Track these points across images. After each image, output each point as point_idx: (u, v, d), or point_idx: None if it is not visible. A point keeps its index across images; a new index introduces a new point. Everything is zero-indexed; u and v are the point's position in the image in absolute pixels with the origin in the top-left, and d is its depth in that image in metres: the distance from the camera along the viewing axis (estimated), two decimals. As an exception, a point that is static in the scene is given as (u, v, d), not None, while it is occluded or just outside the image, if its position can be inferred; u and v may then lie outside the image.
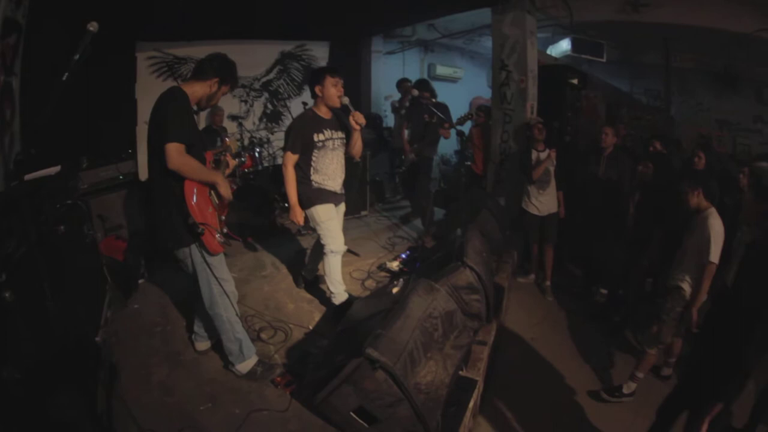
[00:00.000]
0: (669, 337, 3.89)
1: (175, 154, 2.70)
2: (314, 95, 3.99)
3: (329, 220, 4.04)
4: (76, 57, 2.19)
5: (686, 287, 3.75)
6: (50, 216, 3.06)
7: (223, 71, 3.03)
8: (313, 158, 3.98)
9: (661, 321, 3.85)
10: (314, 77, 3.99)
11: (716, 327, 3.10)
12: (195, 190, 2.85)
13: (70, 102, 4.24)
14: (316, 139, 3.93)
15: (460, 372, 3.31)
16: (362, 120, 3.92)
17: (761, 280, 2.75)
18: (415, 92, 6.00)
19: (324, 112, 4.01)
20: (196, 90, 2.97)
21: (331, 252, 4.08)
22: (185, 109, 2.87)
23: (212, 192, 3.01)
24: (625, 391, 3.90)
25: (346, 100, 3.98)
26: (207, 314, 3.22)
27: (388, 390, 2.53)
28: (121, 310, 4.07)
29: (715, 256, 3.56)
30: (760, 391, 3.56)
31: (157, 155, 2.75)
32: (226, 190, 3.04)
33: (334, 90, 3.91)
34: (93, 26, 2.20)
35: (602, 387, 4.02)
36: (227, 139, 4.03)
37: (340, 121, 4.12)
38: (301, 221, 4.05)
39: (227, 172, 3.32)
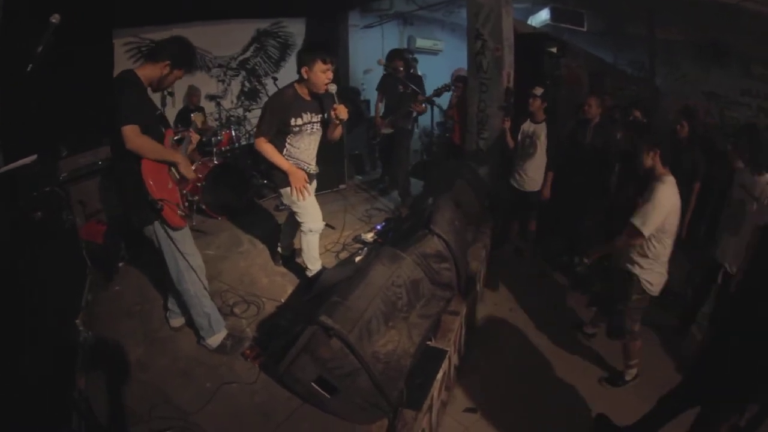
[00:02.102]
0: (635, 325, 3.70)
1: (131, 135, 2.74)
2: (299, 74, 3.70)
3: (305, 198, 3.88)
4: (39, 48, 2.24)
5: (637, 272, 3.54)
6: (27, 203, 3.10)
7: (175, 55, 3.00)
8: (288, 141, 3.80)
9: (621, 313, 3.69)
10: (304, 57, 3.65)
11: (733, 322, 2.80)
12: (153, 170, 2.90)
13: (48, 91, 4.25)
14: (293, 123, 3.70)
15: (428, 342, 3.33)
16: (344, 115, 3.68)
17: None
18: (382, 61, 5.99)
19: (305, 93, 3.74)
20: (148, 72, 2.96)
21: (309, 231, 4.05)
22: (137, 91, 2.88)
23: (172, 168, 3.06)
24: (627, 378, 3.87)
25: (333, 88, 3.64)
26: (176, 290, 3.29)
27: (344, 359, 2.57)
28: (103, 293, 4.11)
29: (641, 221, 3.30)
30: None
31: (115, 138, 2.79)
32: (186, 169, 3.08)
33: (323, 76, 3.58)
34: (55, 18, 2.26)
35: (603, 377, 3.99)
36: (192, 115, 4.05)
37: (321, 103, 3.84)
38: (304, 183, 3.75)
39: (191, 148, 3.35)
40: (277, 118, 3.68)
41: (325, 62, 3.56)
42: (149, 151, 2.86)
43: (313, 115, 3.81)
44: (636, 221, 3.34)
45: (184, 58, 3.06)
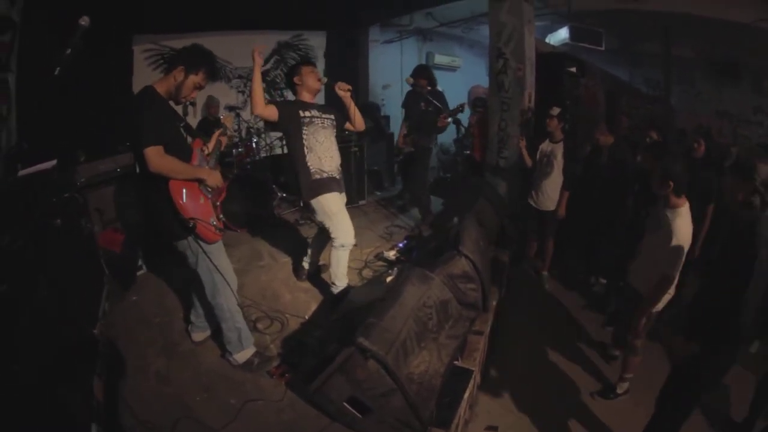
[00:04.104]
0: (636, 341, 3.65)
1: (154, 157, 2.69)
2: (293, 89, 4.11)
3: (339, 211, 4.02)
4: (68, 51, 2.21)
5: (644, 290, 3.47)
6: (45, 210, 3.07)
7: (187, 58, 2.94)
8: (304, 135, 3.93)
9: (625, 325, 3.68)
10: (290, 72, 4.14)
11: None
12: (183, 189, 2.86)
13: (67, 96, 4.26)
14: (302, 114, 3.93)
15: (456, 362, 3.29)
16: (345, 85, 3.92)
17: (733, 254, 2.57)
18: (410, 80, 5.99)
19: (307, 98, 4.06)
20: (165, 84, 2.91)
21: (342, 246, 4.05)
22: (157, 107, 2.84)
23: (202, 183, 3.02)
24: (618, 391, 3.83)
25: (325, 79, 4.07)
26: (206, 304, 3.26)
27: (380, 380, 2.54)
28: (120, 303, 4.07)
29: (672, 267, 3.17)
30: (758, 384, 3.51)
31: (140, 159, 2.75)
32: (214, 181, 3.04)
33: (312, 76, 4.01)
34: (84, 20, 2.22)
35: (595, 390, 3.93)
36: (221, 117, 4.03)
37: (327, 105, 4.23)
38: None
39: (221, 148, 3.34)
40: (287, 107, 3.96)
41: (307, 65, 4.13)
42: (173, 172, 2.81)
43: (321, 112, 4.08)
44: (668, 271, 3.19)
45: (197, 59, 2.97)
